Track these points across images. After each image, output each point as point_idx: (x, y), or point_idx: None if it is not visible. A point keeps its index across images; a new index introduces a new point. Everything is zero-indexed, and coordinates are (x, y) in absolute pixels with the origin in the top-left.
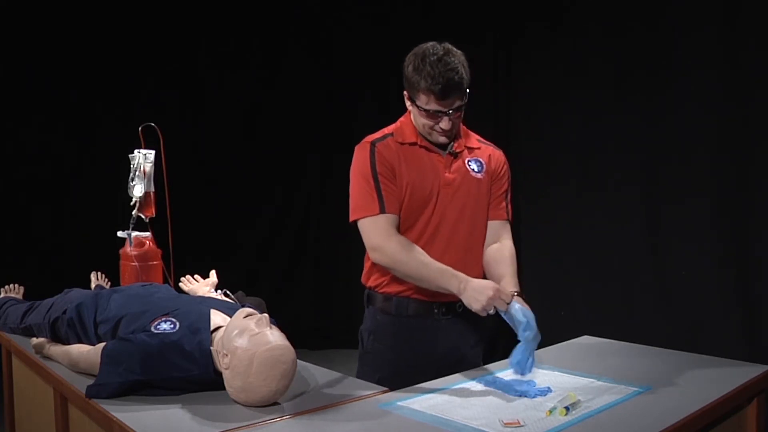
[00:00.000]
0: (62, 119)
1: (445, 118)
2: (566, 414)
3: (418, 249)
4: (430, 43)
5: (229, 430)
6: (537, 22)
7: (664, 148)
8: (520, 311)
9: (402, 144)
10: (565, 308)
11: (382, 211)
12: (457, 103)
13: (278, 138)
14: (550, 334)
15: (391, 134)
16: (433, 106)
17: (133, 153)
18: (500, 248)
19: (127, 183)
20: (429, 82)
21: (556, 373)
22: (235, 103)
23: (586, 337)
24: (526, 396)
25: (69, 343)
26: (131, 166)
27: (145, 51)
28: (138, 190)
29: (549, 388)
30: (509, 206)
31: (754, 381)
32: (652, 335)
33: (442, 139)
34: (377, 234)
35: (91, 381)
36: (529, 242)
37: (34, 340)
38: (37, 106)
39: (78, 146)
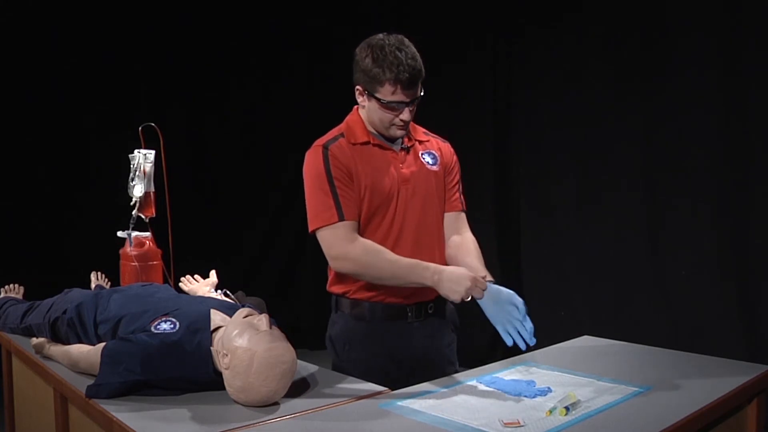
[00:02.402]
0: (62, 119)
1: (406, 110)
2: (566, 414)
3: (384, 249)
4: (380, 35)
5: (229, 430)
6: (537, 23)
7: (665, 148)
8: (501, 288)
9: (354, 144)
10: (565, 308)
11: (341, 218)
12: (418, 93)
13: (278, 137)
14: (550, 334)
15: (342, 135)
16: (398, 97)
17: (133, 153)
18: (462, 240)
19: (127, 183)
20: (395, 72)
21: (556, 373)
22: (235, 102)
23: (586, 337)
24: (526, 396)
25: (69, 343)
26: (131, 166)
27: (146, 51)
28: (138, 190)
29: (549, 388)
30: (462, 197)
31: (754, 381)
32: (652, 335)
33: (400, 133)
34: (339, 242)
35: (91, 381)
36: (530, 242)
37: (34, 340)
38: (37, 106)
39: (78, 146)
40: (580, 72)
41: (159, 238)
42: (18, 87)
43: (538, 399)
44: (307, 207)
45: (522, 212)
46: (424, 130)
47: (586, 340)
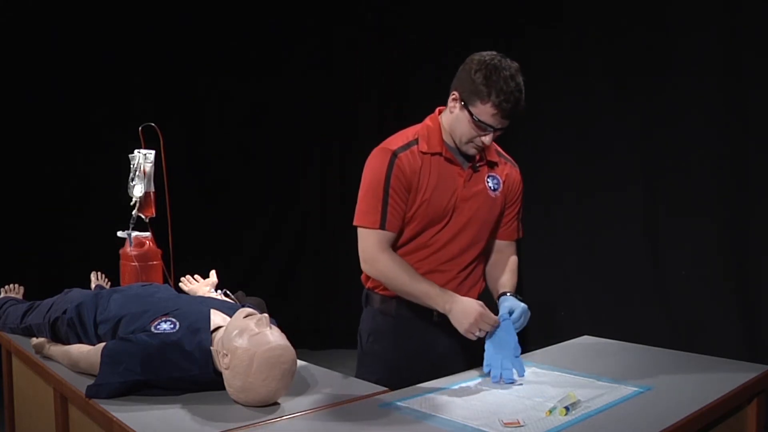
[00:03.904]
0: (62, 119)
1: (491, 134)
2: (566, 414)
3: (408, 265)
4: (497, 55)
5: (229, 430)
6: (537, 23)
7: (664, 148)
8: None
9: (425, 153)
10: (565, 308)
11: (382, 226)
12: (508, 123)
13: (279, 138)
14: (550, 334)
15: (416, 141)
16: (492, 121)
17: (133, 153)
18: (501, 257)
19: (127, 183)
20: (501, 98)
21: (556, 373)
22: (235, 102)
23: (586, 337)
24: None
25: (69, 343)
26: (131, 166)
27: (146, 51)
28: (138, 190)
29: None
30: (520, 224)
31: (754, 381)
32: (652, 335)
33: (473, 152)
34: (371, 247)
35: (91, 381)
36: (530, 242)
37: (34, 340)
38: (37, 106)
39: (78, 146)
40: (580, 72)
41: (159, 238)
42: (18, 87)
43: (538, 399)
44: (358, 202)
45: (522, 212)
46: (498, 149)
47: (586, 340)
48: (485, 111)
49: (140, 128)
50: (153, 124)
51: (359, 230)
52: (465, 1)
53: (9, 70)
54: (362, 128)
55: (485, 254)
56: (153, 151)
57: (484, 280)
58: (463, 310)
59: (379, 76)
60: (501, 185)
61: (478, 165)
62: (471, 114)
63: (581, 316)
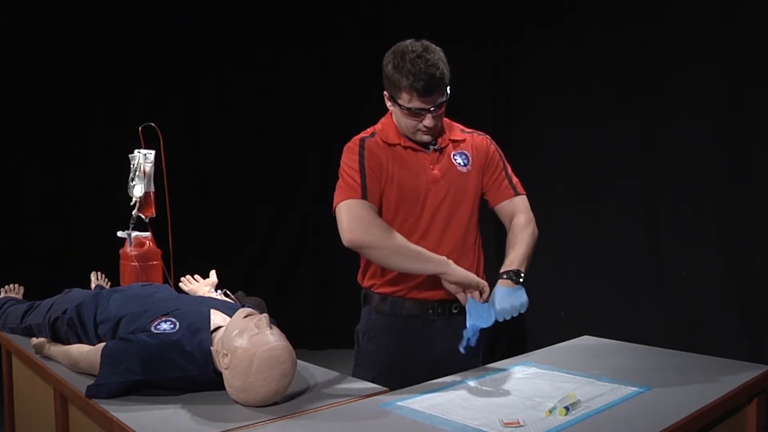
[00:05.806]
0: (62, 118)
1: (429, 116)
2: (566, 414)
3: (399, 234)
4: (408, 41)
5: (229, 430)
6: (537, 23)
7: (664, 147)
8: (496, 296)
9: (387, 143)
10: (565, 308)
11: (365, 197)
12: (440, 100)
13: (278, 138)
14: (550, 334)
15: (375, 133)
16: (416, 104)
17: (133, 153)
18: (512, 224)
19: (127, 183)
20: (411, 80)
21: (556, 373)
22: (235, 103)
23: (586, 337)
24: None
25: (69, 343)
26: (131, 166)
27: (146, 51)
28: (138, 190)
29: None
30: (514, 180)
31: (754, 381)
32: (652, 335)
33: (426, 138)
34: (362, 216)
35: (91, 381)
36: None
37: (34, 340)
38: (37, 105)
39: (78, 146)
40: (580, 72)
41: (159, 238)
42: (18, 87)
43: (538, 399)
44: (336, 190)
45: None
46: (462, 127)
47: (586, 340)
48: (406, 98)
49: (140, 128)
50: (153, 124)
51: (342, 206)
52: (465, 1)
53: (9, 70)
54: (362, 128)
55: (477, 240)
56: (153, 151)
57: (485, 273)
58: (466, 271)
59: (379, 76)
60: (471, 159)
61: (441, 146)
62: (400, 106)
63: (581, 316)
